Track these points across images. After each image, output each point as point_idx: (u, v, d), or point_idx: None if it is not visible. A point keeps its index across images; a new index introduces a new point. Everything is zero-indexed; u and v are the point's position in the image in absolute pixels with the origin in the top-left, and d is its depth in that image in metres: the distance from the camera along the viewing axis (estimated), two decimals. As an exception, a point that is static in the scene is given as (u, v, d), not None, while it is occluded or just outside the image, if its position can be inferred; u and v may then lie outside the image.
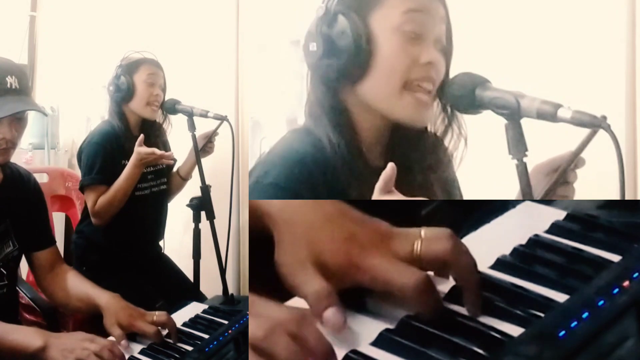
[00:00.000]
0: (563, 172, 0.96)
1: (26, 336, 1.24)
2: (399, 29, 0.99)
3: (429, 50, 1.00)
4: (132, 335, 1.33)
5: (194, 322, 1.41)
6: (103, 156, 2.14)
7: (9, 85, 1.35)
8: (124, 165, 2.13)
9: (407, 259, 0.74)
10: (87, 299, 1.46)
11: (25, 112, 1.41)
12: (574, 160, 0.95)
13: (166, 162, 2.24)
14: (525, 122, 0.88)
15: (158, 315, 1.33)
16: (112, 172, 2.13)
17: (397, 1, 0.99)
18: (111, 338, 1.30)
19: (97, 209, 2.12)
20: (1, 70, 1.36)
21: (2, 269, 1.48)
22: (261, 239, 0.80)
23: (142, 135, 2.09)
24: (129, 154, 2.12)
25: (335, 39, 0.99)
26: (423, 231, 0.76)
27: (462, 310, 0.75)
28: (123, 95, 2.19)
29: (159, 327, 1.31)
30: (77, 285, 1.52)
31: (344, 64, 0.99)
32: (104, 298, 1.41)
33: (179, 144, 2.35)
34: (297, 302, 0.76)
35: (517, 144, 0.88)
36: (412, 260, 0.74)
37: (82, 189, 2.17)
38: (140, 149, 2.06)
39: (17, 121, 1.40)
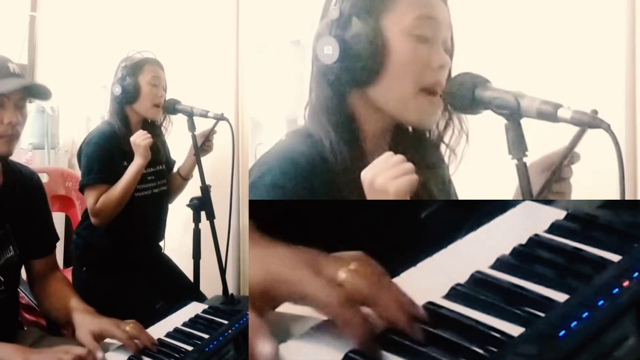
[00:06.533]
0: (558, 168, 0.96)
1: (6, 354, 1.24)
2: (410, 32, 0.99)
3: (440, 54, 1.01)
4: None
5: (194, 322, 1.41)
6: (103, 156, 2.13)
7: (12, 70, 1.39)
8: (124, 167, 2.13)
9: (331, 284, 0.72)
10: (65, 311, 1.46)
11: (26, 100, 1.43)
12: (568, 156, 0.95)
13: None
14: (525, 122, 0.88)
15: (131, 326, 1.33)
16: (112, 172, 2.12)
17: (409, 6, 1.00)
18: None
19: (99, 207, 2.09)
20: (2, 59, 1.40)
21: (0, 276, 1.46)
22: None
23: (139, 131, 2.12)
24: (129, 155, 2.12)
25: (350, 42, 0.98)
26: (352, 264, 0.74)
27: (463, 310, 0.75)
28: (129, 96, 2.18)
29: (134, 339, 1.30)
30: (62, 297, 1.52)
31: (359, 67, 0.99)
32: (78, 314, 1.42)
33: (179, 144, 2.35)
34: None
35: (517, 144, 0.88)
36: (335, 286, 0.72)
37: (82, 189, 2.17)
38: (135, 137, 2.09)
39: (20, 109, 1.41)
